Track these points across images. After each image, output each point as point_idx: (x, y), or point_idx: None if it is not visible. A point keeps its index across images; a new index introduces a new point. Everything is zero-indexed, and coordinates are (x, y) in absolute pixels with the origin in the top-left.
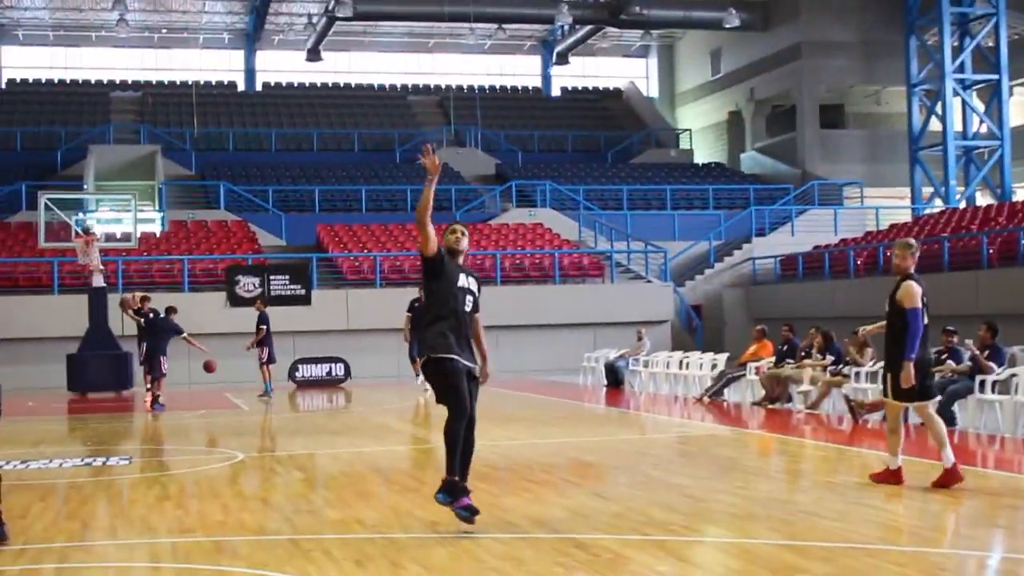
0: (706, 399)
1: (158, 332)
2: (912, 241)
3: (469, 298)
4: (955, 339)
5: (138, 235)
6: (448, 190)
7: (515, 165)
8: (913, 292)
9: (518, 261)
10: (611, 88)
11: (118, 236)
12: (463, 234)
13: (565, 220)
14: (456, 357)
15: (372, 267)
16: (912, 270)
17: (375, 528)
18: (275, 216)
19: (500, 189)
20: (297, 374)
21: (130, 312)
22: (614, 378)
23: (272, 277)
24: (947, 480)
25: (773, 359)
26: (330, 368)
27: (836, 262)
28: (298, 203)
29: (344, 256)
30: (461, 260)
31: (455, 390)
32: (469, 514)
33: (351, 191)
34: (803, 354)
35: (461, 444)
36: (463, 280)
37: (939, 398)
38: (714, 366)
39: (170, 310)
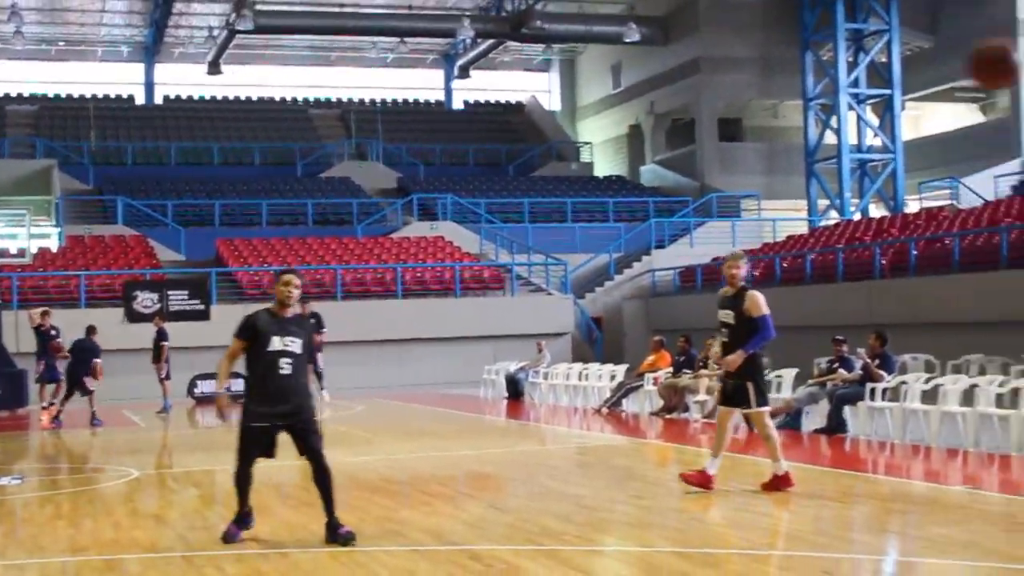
0: (605, 410)
1: (79, 352)
2: (741, 252)
3: (285, 361)
4: (845, 348)
5: (33, 251)
6: (349, 204)
7: (417, 178)
8: (761, 300)
9: (419, 274)
10: (513, 102)
11: (13, 252)
12: (295, 285)
13: (466, 233)
14: (254, 425)
15: (272, 282)
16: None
17: (269, 544)
18: (174, 231)
19: (402, 202)
20: (196, 390)
21: (45, 328)
22: (514, 390)
23: (171, 292)
24: (778, 484)
25: (671, 369)
26: (229, 384)
27: None
28: (197, 217)
29: (244, 270)
30: (289, 312)
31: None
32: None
33: (251, 205)
34: (700, 364)
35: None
36: (275, 343)
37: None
38: (613, 377)
39: (91, 330)
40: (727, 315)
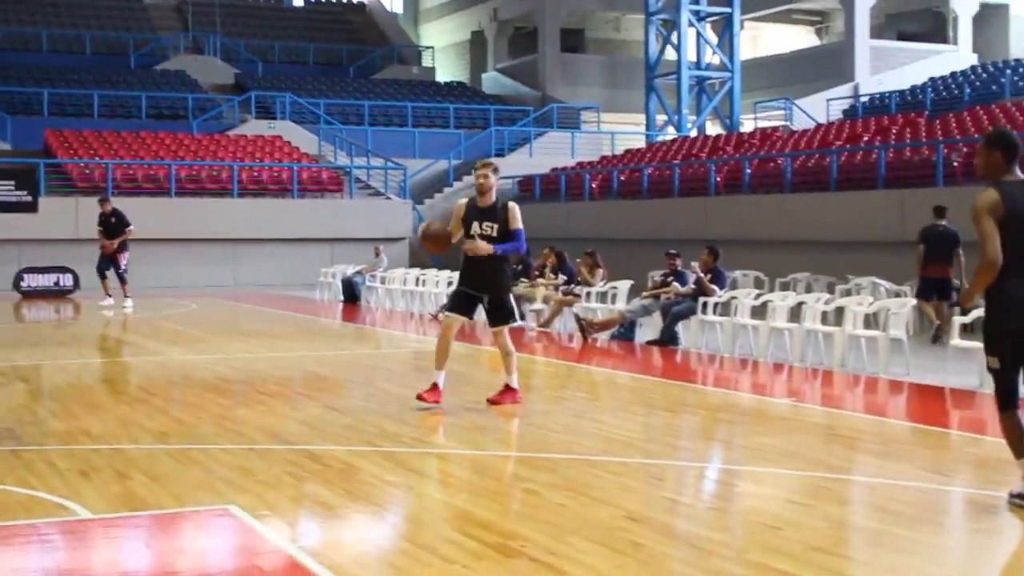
0: (442, 316)
1: None
2: (493, 160)
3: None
4: (679, 262)
5: None
6: (185, 99)
7: (255, 76)
8: (520, 213)
9: (256, 174)
10: (354, 1)
11: None
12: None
13: (305, 134)
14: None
15: (104, 175)
16: None
17: (102, 439)
18: (0, 118)
19: (239, 99)
20: (23, 284)
21: None
22: (351, 294)
23: None
24: (505, 397)
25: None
26: (57, 278)
27: (572, 184)
28: (25, 106)
29: (74, 162)
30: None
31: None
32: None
33: (82, 96)
34: (536, 273)
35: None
36: (475, 227)
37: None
38: (450, 283)
39: None
40: (490, 227)
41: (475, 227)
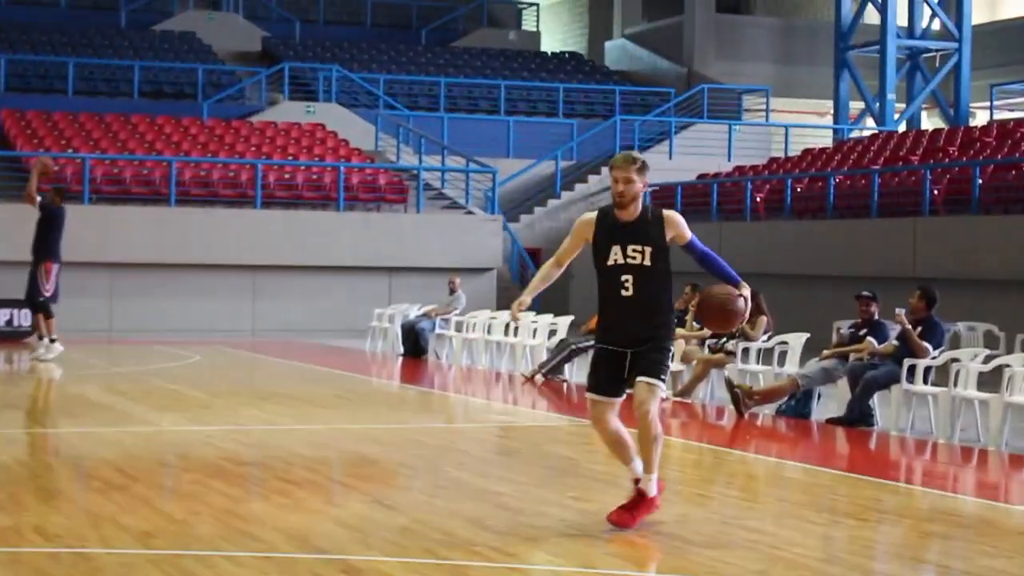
0: (540, 377)
1: None
2: (638, 155)
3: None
4: (876, 308)
5: None
6: (194, 70)
7: (290, 40)
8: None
9: (288, 176)
10: None
11: None
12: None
13: (357, 121)
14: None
15: (79, 173)
16: None
17: (61, 540)
18: None
19: (267, 73)
20: None
21: None
22: (415, 344)
23: None
24: (638, 513)
25: None
26: (10, 315)
27: (728, 197)
28: None
29: (39, 156)
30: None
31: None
32: None
33: (52, 64)
34: (675, 321)
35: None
36: (616, 253)
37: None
38: (553, 333)
39: None
40: (638, 251)
41: (615, 253)
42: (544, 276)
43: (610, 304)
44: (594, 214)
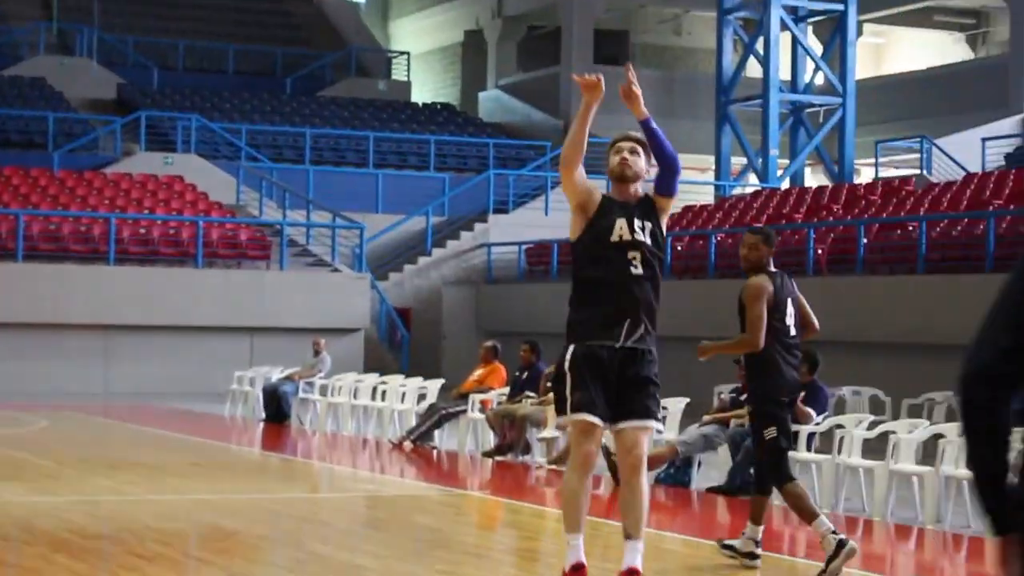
0: (409, 444)
1: None
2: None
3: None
4: None
5: None
6: (44, 118)
7: (148, 88)
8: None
9: (143, 231)
10: None
11: None
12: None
13: (217, 173)
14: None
15: (12, 233)
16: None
17: None
18: None
19: (123, 122)
20: None
21: None
22: (276, 409)
23: None
24: None
25: (507, 390)
26: None
27: None
28: None
29: None
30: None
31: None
32: None
33: None
34: (548, 385)
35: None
36: (621, 227)
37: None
38: (423, 397)
39: None
40: (641, 228)
41: (621, 227)
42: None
43: (610, 289)
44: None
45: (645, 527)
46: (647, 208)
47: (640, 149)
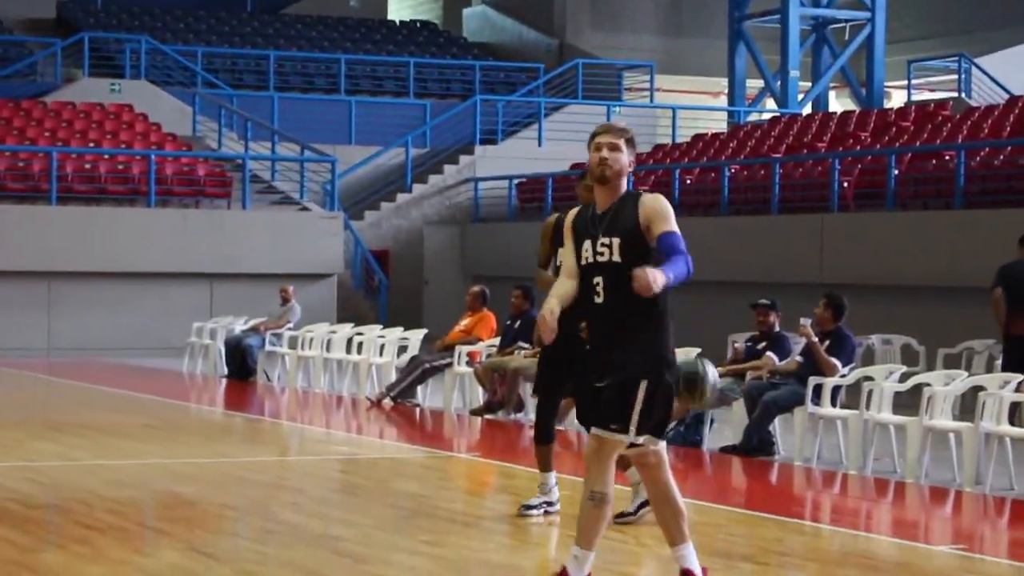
0: (388, 402)
1: None
2: (626, 126)
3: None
4: (776, 318)
5: None
6: None
7: (91, 7)
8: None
9: (89, 166)
10: None
11: None
12: (612, 147)
13: (171, 101)
14: None
15: None
16: None
17: None
18: None
19: (63, 44)
20: None
21: None
22: (241, 364)
23: None
24: None
25: (497, 341)
26: None
27: None
28: None
29: None
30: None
31: None
32: None
33: None
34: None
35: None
36: (587, 248)
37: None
38: (403, 350)
39: None
40: (604, 247)
41: (587, 248)
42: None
43: (586, 316)
44: (572, 213)
45: (687, 541)
46: (623, 212)
47: (622, 144)
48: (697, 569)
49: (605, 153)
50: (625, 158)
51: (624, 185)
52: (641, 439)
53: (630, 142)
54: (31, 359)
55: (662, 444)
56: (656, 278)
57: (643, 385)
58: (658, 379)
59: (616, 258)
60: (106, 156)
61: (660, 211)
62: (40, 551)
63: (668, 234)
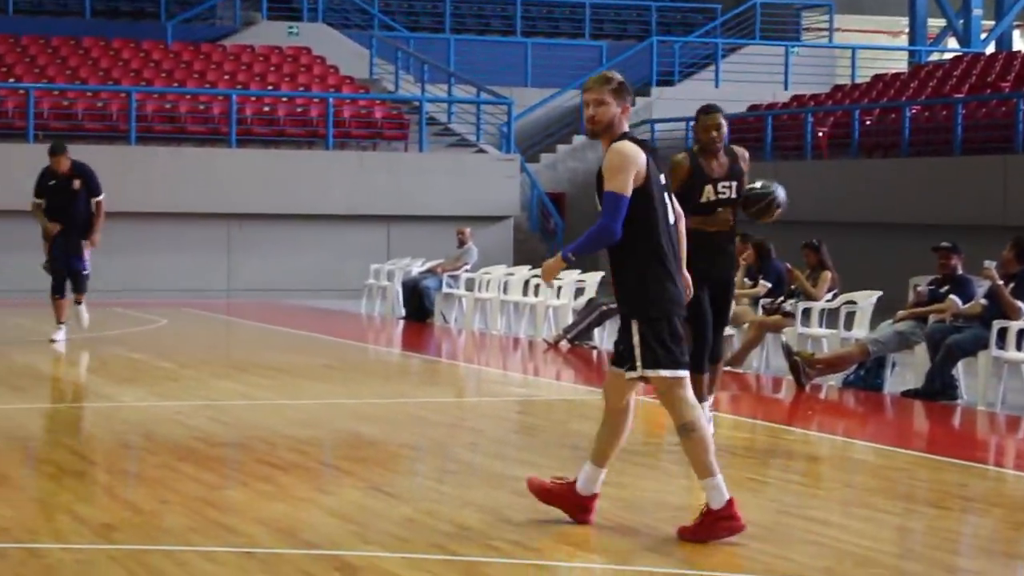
0: (565, 344)
1: None
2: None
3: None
4: (959, 261)
5: None
6: None
7: None
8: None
9: (268, 109)
10: None
11: None
12: (598, 103)
13: (348, 45)
14: None
15: (22, 108)
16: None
17: (7, 533)
18: None
19: None
20: None
21: None
22: (418, 306)
23: None
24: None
25: None
26: None
27: (785, 132)
28: None
29: None
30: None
31: None
32: None
33: None
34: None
35: None
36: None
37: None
38: (580, 292)
39: None
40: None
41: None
42: None
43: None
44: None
45: (717, 474)
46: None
47: (606, 96)
48: (718, 505)
49: (591, 111)
50: (613, 109)
51: (617, 134)
52: (650, 373)
53: (617, 91)
54: (212, 300)
55: (677, 372)
56: (550, 268)
57: (635, 325)
58: (644, 317)
59: (600, 207)
60: (284, 99)
61: (607, 166)
62: (224, 488)
63: (606, 193)
